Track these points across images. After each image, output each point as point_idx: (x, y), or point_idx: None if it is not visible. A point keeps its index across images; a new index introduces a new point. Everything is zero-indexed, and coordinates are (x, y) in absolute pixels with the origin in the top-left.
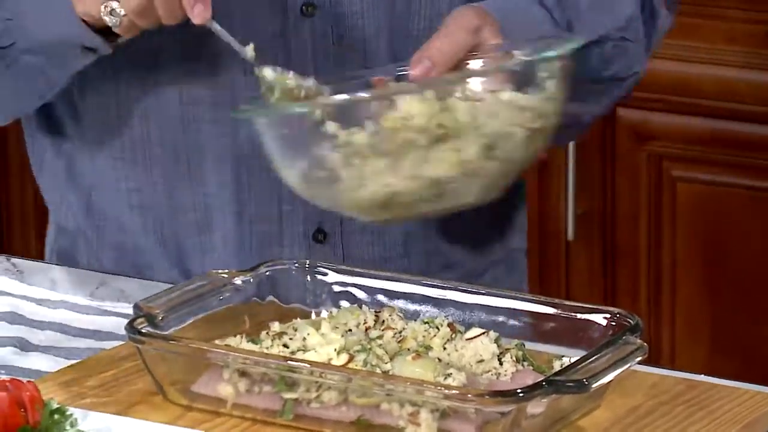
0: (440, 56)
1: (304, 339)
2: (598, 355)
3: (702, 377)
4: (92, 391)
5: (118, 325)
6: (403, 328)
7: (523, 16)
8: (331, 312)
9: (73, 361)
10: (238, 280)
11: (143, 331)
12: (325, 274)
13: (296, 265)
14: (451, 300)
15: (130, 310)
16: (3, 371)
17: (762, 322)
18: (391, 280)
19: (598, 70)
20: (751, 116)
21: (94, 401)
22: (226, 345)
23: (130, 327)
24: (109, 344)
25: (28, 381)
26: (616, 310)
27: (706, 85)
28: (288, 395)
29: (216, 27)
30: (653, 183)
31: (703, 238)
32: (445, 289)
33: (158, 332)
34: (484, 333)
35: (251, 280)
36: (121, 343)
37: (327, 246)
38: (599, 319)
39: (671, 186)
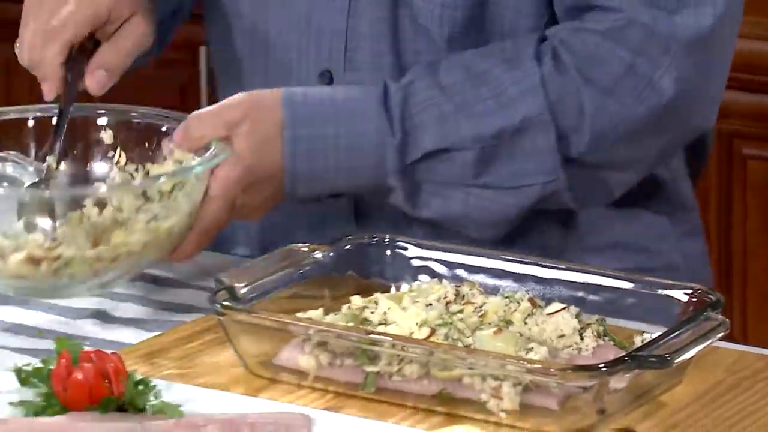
0: (194, 135)
1: (385, 313)
2: (680, 330)
3: None
4: (174, 363)
5: (198, 298)
6: (484, 303)
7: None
8: (411, 286)
9: (155, 334)
10: (318, 254)
11: (225, 304)
12: (405, 249)
13: (376, 239)
14: (531, 275)
15: (208, 284)
16: (87, 343)
17: None
18: (471, 255)
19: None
20: None
21: (176, 373)
22: (308, 318)
23: (213, 300)
24: (189, 317)
25: (113, 352)
26: (696, 286)
27: None
28: (370, 368)
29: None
30: (724, 161)
31: None
32: (526, 263)
33: (240, 305)
34: (565, 308)
35: (331, 254)
36: (202, 316)
37: None
38: (680, 295)
39: (742, 164)
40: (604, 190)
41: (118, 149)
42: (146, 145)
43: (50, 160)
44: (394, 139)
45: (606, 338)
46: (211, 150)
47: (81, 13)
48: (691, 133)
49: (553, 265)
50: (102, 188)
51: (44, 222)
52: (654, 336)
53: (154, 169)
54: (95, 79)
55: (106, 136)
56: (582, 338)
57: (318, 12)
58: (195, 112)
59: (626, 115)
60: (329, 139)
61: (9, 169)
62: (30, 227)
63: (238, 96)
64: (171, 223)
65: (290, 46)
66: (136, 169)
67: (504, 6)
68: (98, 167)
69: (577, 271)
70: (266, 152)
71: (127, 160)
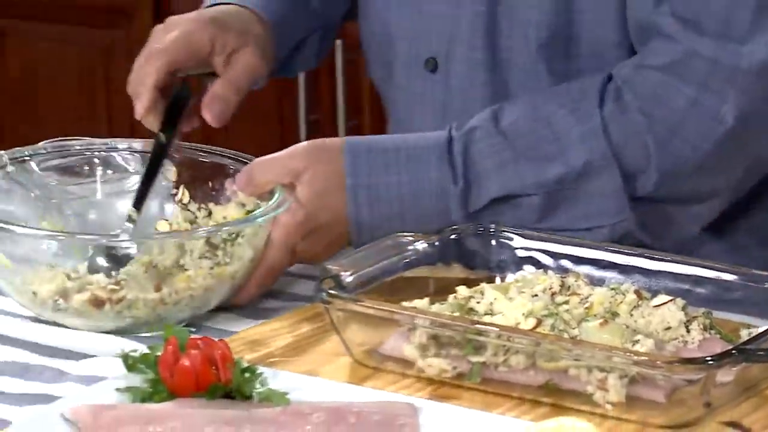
0: (257, 182)
1: (491, 303)
2: None
3: None
4: (279, 350)
5: (304, 287)
6: (589, 294)
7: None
8: (516, 277)
9: (261, 322)
10: (423, 244)
11: (331, 292)
12: (510, 239)
13: (481, 228)
14: (636, 267)
15: (314, 272)
16: (194, 329)
17: None
18: (576, 246)
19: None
20: None
21: (281, 360)
22: (413, 307)
23: (319, 288)
24: (295, 305)
25: (220, 340)
26: None
27: None
28: (475, 359)
29: None
30: None
31: None
32: (631, 255)
33: (346, 294)
34: (671, 300)
35: (436, 243)
36: (307, 304)
37: None
38: None
39: None
40: (678, 224)
41: (182, 187)
42: (210, 184)
43: (131, 211)
44: (456, 187)
45: (712, 331)
46: (274, 197)
47: (181, 40)
48: (756, 162)
49: (660, 257)
50: (168, 237)
51: (108, 264)
52: (761, 330)
53: (217, 210)
54: (211, 111)
55: (170, 174)
56: (688, 331)
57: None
58: (259, 159)
59: (692, 151)
60: (392, 188)
61: (116, 158)
62: (94, 268)
63: (302, 144)
64: (234, 268)
65: (403, 33)
66: (199, 209)
67: (587, 13)
68: (161, 204)
69: (684, 263)
70: (328, 200)
71: (190, 198)
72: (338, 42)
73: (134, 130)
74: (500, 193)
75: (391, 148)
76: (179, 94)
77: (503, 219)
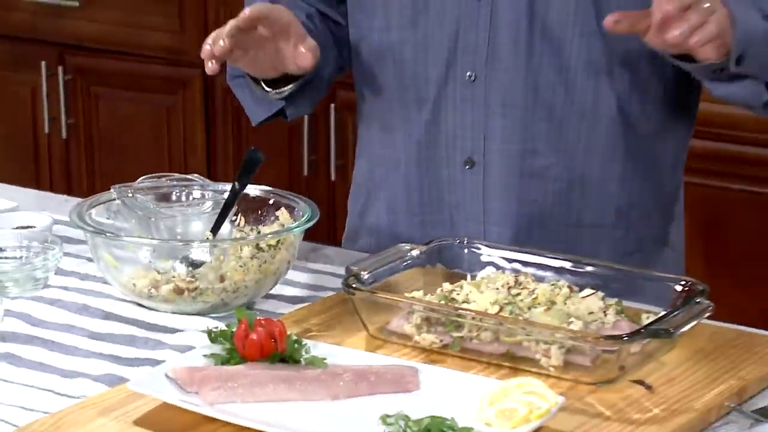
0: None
1: (468, 294)
2: (679, 311)
3: (747, 328)
4: (315, 327)
5: (333, 281)
6: (535, 288)
7: None
8: (482, 275)
9: (300, 306)
10: (416, 252)
11: (354, 286)
12: (479, 248)
13: (458, 241)
14: (566, 268)
15: (334, 270)
16: (258, 312)
17: None
18: (524, 253)
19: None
20: None
21: (317, 334)
22: (411, 297)
23: (345, 283)
24: (323, 294)
25: (277, 320)
26: (690, 279)
27: None
28: (456, 334)
29: None
30: None
31: None
32: (562, 260)
33: (364, 287)
34: (593, 293)
35: (425, 252)
36: (332, 293)
37: None
38: (678, 285)
39: None
40: None
41: (239, 215)
42: (259, 212)
43: (208, 234)
44: None
45: (622, 315)
46: (305, 216)
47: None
48: None
49: (584, 261)
50: (230, 242)
51: (187, 263)
52: (660, 314)
53: (264, 229)
54: (304, 56)
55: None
56: (605, 315)
57: (465, 14)
58: None
59: None
60: None
61: (196, 191)
62: (179, 266)
63: None
64: (275, 266)
65: (430, 50)
66: (251, 230)
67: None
68: (224, 227)
69: (601, 266)
70: None
71: (244, 222)
72: (332, 105)
73: (187, 166)
74: None
75: None
76: (253, 155)
77: None
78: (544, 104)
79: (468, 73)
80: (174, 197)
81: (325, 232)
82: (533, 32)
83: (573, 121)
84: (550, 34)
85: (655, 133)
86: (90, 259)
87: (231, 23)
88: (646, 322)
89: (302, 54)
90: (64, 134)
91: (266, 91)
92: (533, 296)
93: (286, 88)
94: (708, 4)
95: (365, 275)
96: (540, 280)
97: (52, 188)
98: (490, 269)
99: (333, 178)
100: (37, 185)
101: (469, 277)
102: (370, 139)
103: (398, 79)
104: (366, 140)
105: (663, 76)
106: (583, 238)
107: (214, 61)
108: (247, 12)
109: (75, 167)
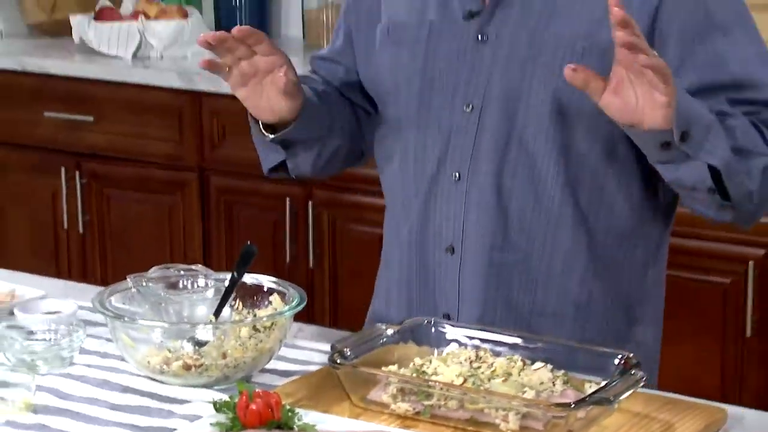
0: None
1: (436, 368)
2: (617, 381)
3: (674, 395)
4: (306, 397)
5: (320, 357)
6: (493, 362)
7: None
8: (447, 351)
9: (291, 379)
10: (390, 331)
11: (338, 361)
12: (444, 327)
13: (426, 321)
14: (520, 345)
15: (319, 347)
16: (256, 385)
17: None
18: (483, 331)
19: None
20: None
21: (307, 404)
22: (388, 370)
23: (331, 358)
24: (311, 368)
25: (273, 391)
26: (626, 353)
27: None
28: (427, 402)
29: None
30: None
31: None
32: (516, 337)
33: (347, 362)
34: (544, 366)
35: (399, 331)
36: (319, 367)
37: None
38: (616, 358)
39: None
40: None
41: (237, 300)
42: (255, 298)
43: (211, 317)
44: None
45: (569, 385)
46: (294, 301)
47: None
48: None
49: (535, 337)
50: (230, 324)
51: (193, 343)
52: (601, 384)
53: (260, 312)
54: (279, 80)
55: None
56: (554, 385)
57: (457, 126)
58: None
59: None
60: None
61: (200, 280)
62: (187, 345)
63: None
64: (270, 345)
65: (431, 155)
66: (248, 313)
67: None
68: (225, 310)
69: (550, 342)
70: None
71: (242, 306)
72: (309, 202)
73: (186, 256)
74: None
75: None
76: (248, 249)
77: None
78: (514, 207)
79: (454, 174)
80: (181, 285)
81: (305, 313)
82: (511, 143)
83: (539, 225)
84: (526, 146)
85: (618, 242)
86: (109, 340)
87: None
88: (589, 390)
89: (279, 77)
90: (80, 229)
91: (264, 134)
92: (492, 369)
93: (279, 132)
94: (665, 72)
95: (348, 351)
96: (497, 354)
97: (71, 276)
98: (454, 346)
99: (311, 266)
100: (58, 274)
101: (436, 352)
102: (386, 218)
103: (401, 174)
104: (384, 222)
105: (628, 193)
106: (543, 325)
107: (207, 42)
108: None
109: (90, 257)
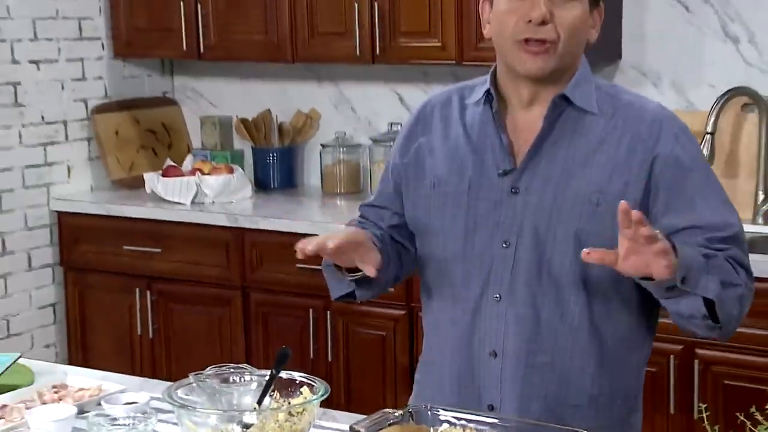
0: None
1: None
2: None
3: None
4: None
5: None
6: None
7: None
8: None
9: None
10: (397, 413)
11: None
12: (438, 411)
13: (424, 406)
14: (500, 424)
15: (339, 427)
16: None
17: None
18: (468, 414)
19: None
20: None
21: None
22: None
23: None
24: None
25: None
26: None
27: None
28: None
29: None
30: None
31: None
32: (494, 419)
33: None
34: None
35: (403, 413)
36: None
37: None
38: None
39: None
40: None
41: (276, 391)
42: (289, 389)
43: (255, 405)
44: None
45: None
46: (320, 392)
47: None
48: None
49: (529, 422)
50: (270, 410)
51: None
52: None
53: (294, 401)
54: (369, 270)
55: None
56: None
57: (496, 258)
58: None
59: None
60: None
61: (246, 376)
62: (236, 428)
63: None
64: (302, 426)
65: (476, 281)
66: (284, 401)
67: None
68: (266, 400)
69: (519, 422)
70: None
71: (279, 396)
72: (328, 312)
73: (232, 357)
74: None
75: None
76: (284, 352)
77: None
78: (544, 322)
79: (495, 295)
80: (231, 380)
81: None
82: (541, 272)
83: (563, 334)
84: (553, 273)
85: (620, 347)
86: (176, 424)
87: (326, 246)
88: None
89: (368, 268)
90: (150, 335)
91: (344, 275)
92: None
93: (357, 275)
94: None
95: (362, 431)
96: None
97: (143, 373)
98: (446, 425)
99: (330, 359)
100: (134, 371)
101: (431, 430)
102: (428, 328)
103: (450, 295)
104: (427, 330)
105: (630, 309)
106: (566, 414)
107: (305, 251)
108: (332, 244)
109: (158, 358)
